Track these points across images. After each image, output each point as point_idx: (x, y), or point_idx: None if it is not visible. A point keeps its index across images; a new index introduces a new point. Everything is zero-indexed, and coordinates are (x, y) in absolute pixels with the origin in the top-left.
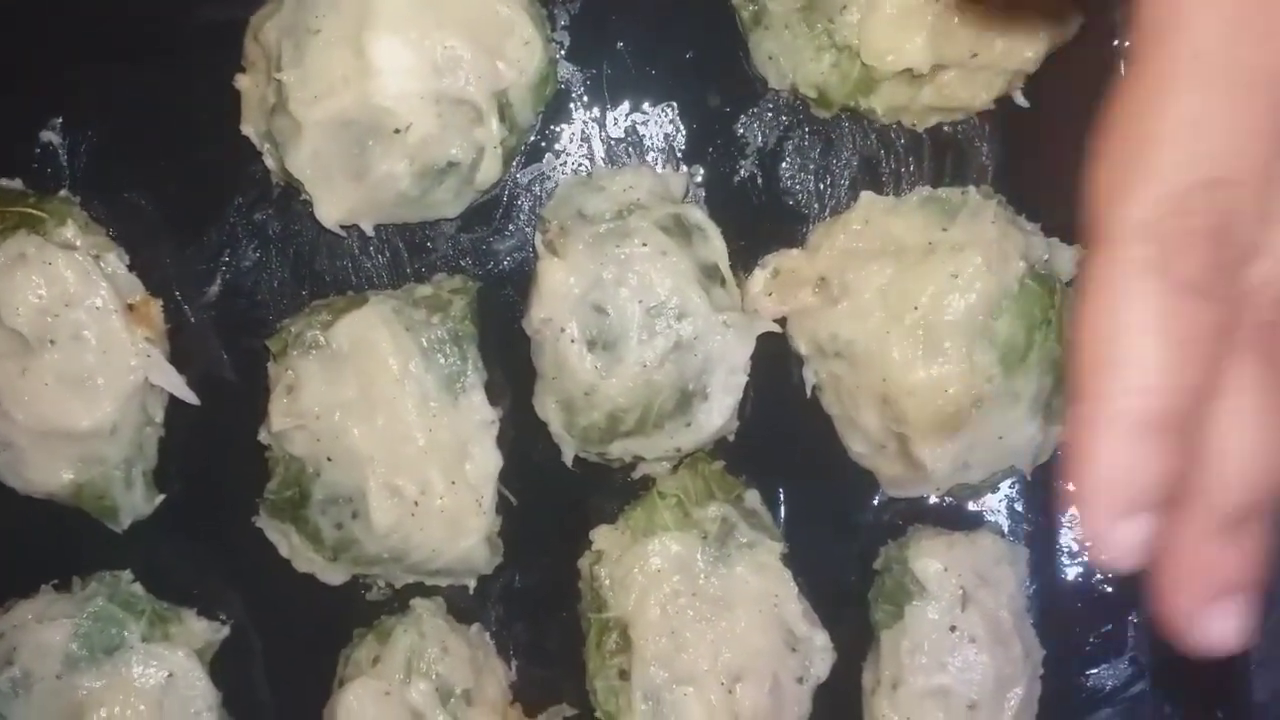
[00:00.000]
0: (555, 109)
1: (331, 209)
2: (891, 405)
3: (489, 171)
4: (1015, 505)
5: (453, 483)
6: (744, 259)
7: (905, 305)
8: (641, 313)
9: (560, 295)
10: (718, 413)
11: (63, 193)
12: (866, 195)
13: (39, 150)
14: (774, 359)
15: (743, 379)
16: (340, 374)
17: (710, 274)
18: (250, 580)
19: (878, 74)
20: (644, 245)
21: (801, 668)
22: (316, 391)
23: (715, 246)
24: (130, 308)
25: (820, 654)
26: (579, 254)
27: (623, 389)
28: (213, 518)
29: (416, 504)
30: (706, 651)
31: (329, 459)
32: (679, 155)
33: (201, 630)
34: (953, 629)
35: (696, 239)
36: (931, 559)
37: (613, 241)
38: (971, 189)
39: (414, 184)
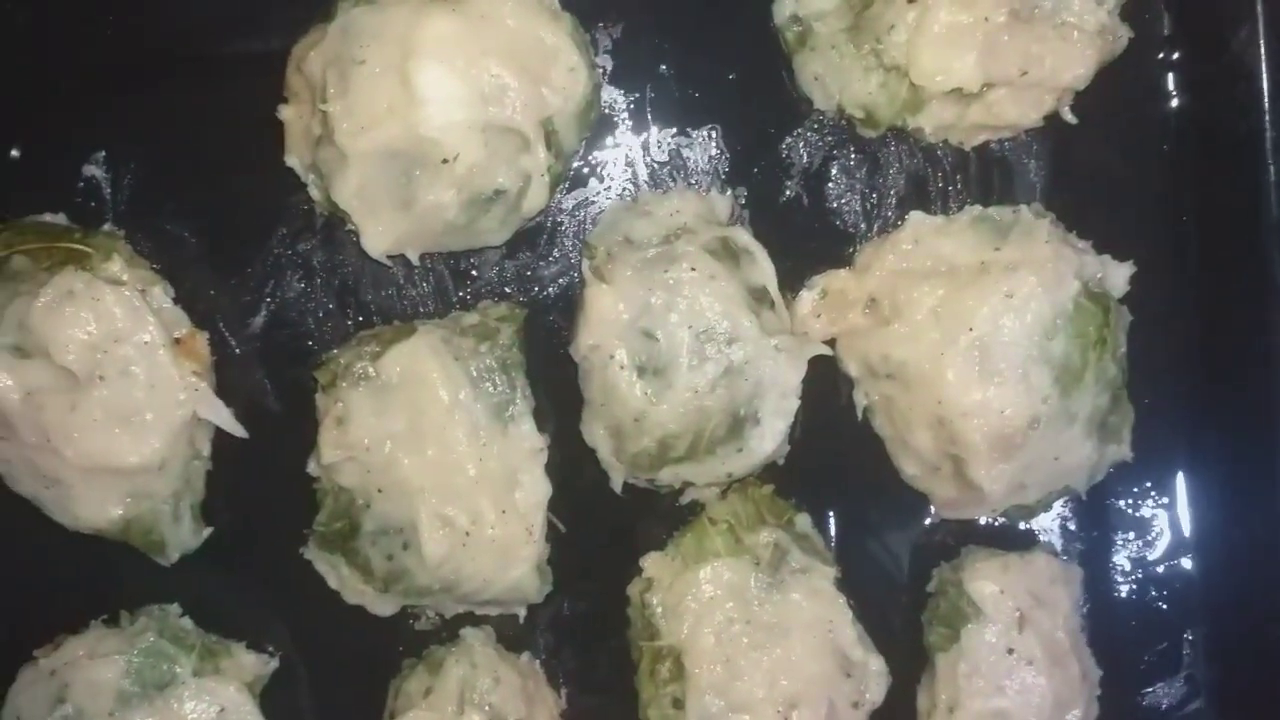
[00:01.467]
0: (599, 134)
1: (378, 239)
2: (946, 427)
3: (535, 198)
4: (1068, 524)
5: (503, 512)
6: (791, 280)
7: (959, 326)
8: (691, 338)
9: (608, 321)
10: (769, 437)
11: (107, 226)
12: (915, 215)
13: (82, 184)
14: (823, 381)
15: (794, 403)
16: (390, 405)
17: (759, 297)
18: (299, 612)
19: (926, 93)
20: (692, 270)
21: (857, 693)
22: (366, 423)
23: (763, 269)
24: (177, 341)
25: (875, 679)
26: (626, 280)
27: (673, 415)
28: (261, 550)
29: (468, 534)
30: (762, 679)
31: (379, 490)
32: (723, 177)
33: (251, 663)
34: (1010, 651)
35: (744, 262)
36: (987, 581)
37: (660, 266)
38: (1023, 207)
39: (461, 213)
